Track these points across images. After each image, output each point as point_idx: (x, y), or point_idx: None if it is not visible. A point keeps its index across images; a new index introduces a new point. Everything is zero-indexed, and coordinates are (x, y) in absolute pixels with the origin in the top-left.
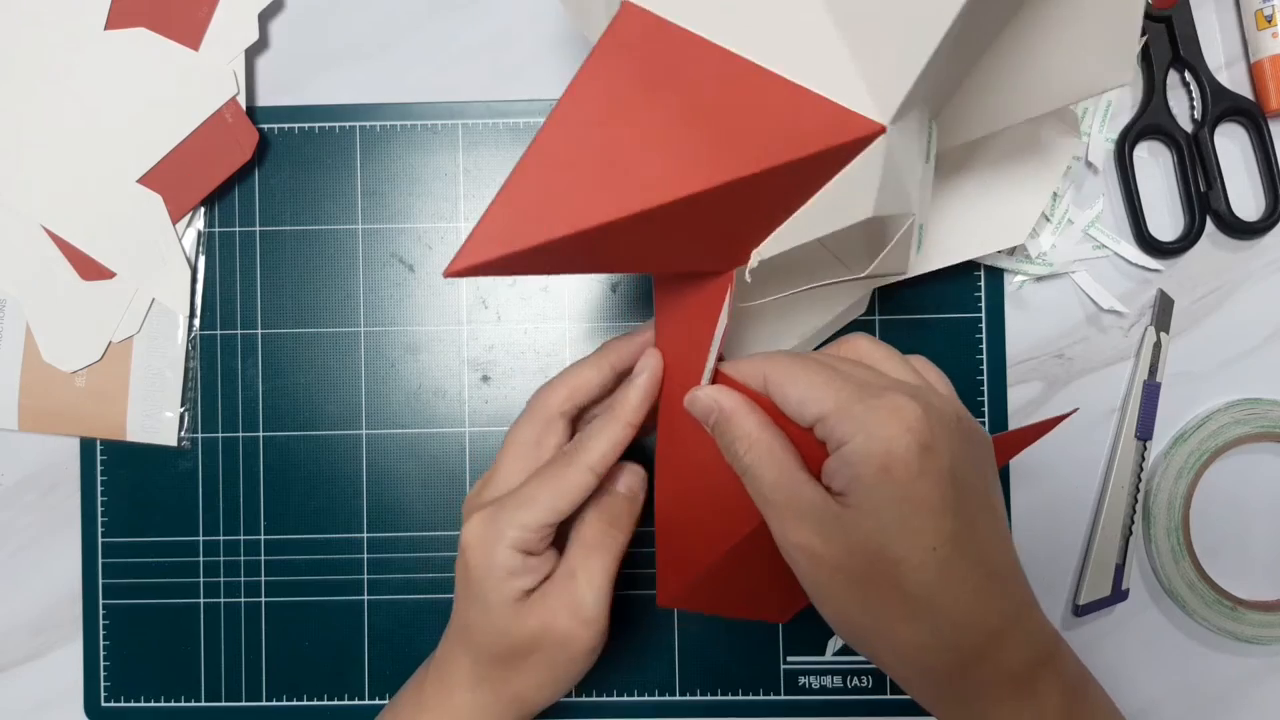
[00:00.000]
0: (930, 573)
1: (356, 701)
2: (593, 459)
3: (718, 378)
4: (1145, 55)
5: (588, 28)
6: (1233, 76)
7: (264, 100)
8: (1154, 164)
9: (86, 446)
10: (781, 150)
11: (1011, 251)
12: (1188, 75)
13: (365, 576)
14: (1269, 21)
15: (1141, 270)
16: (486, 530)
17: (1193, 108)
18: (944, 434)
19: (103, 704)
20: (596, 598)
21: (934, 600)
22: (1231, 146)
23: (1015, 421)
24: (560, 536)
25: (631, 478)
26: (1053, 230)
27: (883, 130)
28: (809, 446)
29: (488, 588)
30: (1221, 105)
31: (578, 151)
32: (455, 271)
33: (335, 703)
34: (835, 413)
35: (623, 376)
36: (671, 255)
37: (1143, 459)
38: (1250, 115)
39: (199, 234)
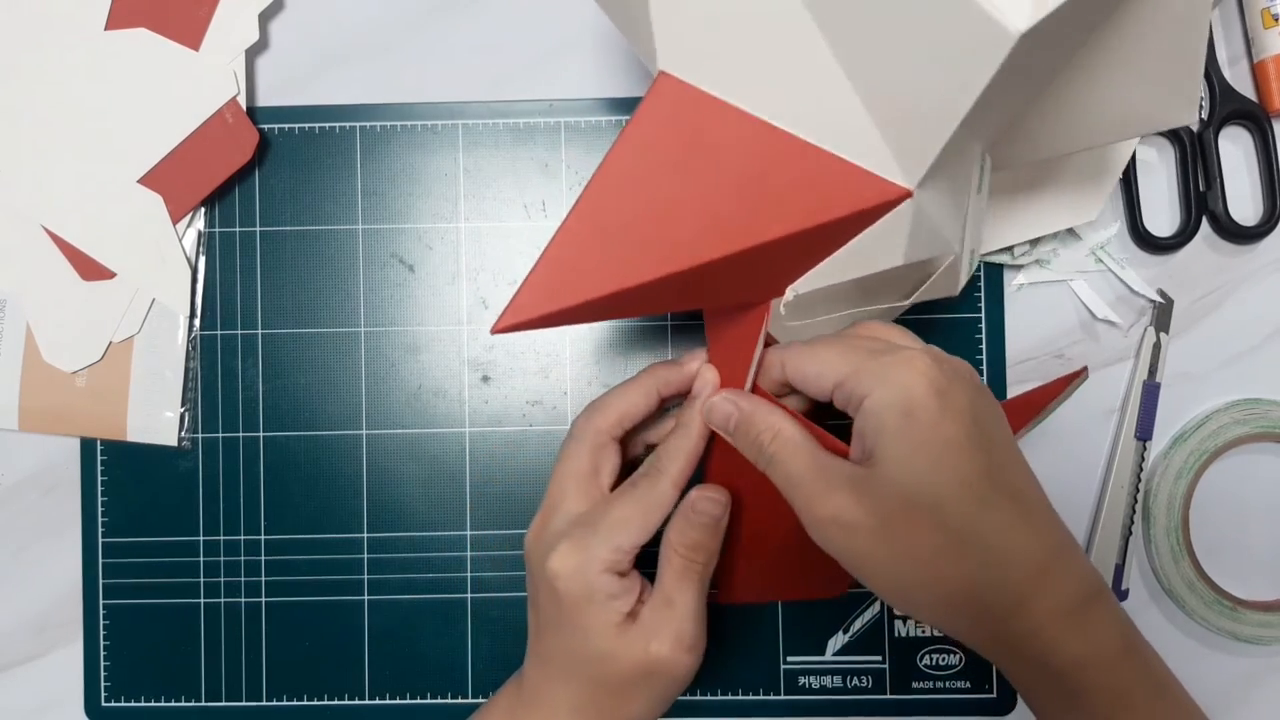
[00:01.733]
0: (971, 506)
1: (356, 701)
2: (675, 473)
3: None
4: None
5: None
6: (1234, 75)
7: (264, 100)
8: (1155, 160)
9: (87, 446)
10: (811, 214)
11: (1011, 251)
12: None
13: (365, 576)
14: (1276, 20)
15: (1142, 274)
16: (580, 557)
17: (1201, 107)
18: (958, 380)
19: (103, 704)
20: (696, 624)
21: (979, 534)
22: (1234, 149)
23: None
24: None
25: (706, 502)
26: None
27: (909, 194)
28: (830, 445)
29: (589, 615)
30: (1229, 107)
31: (617, 214)
32: (503, 328)
33: (335, 703)
34: (851, 374)
35: (666, 402)
36: (709, 298)
37: (1142, 459)
38: (1255, 119)
39: (199, 234)
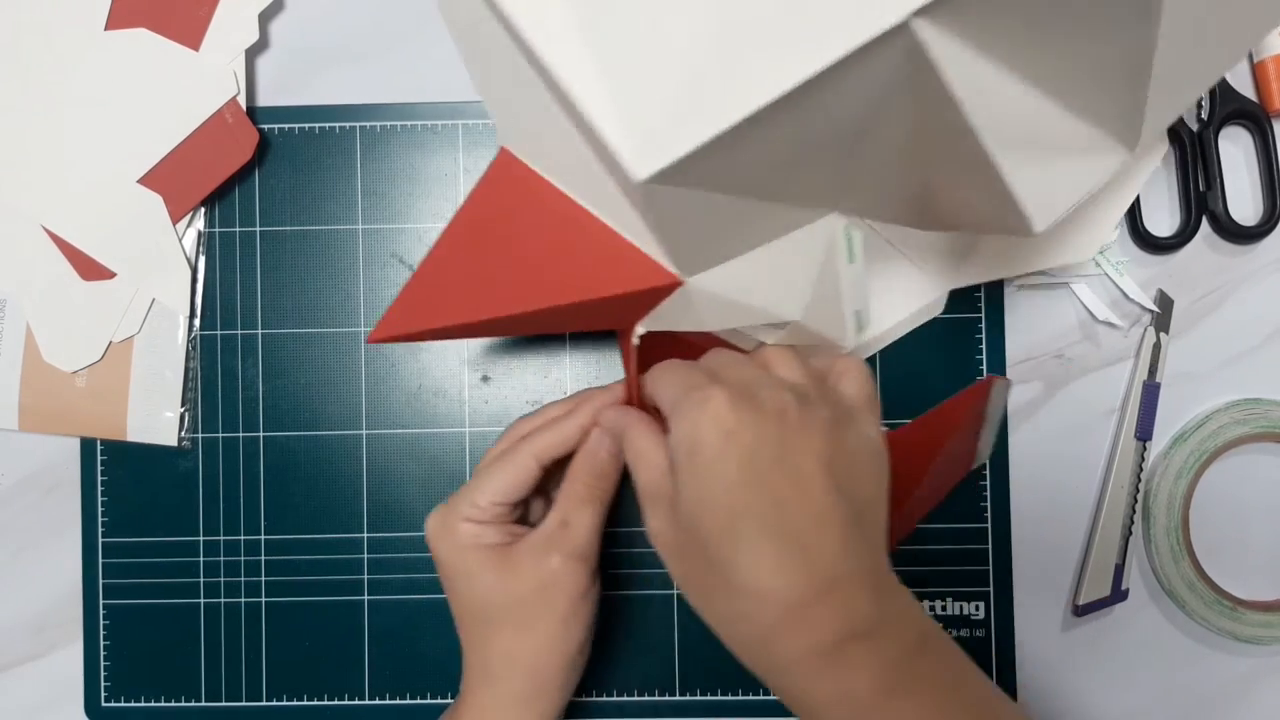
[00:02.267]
0: (729, 543)
1: (356, 701)
2: (537, 448)
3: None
4: None
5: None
6: (1234, 75)
7: (264, 100)
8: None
9: (87, 446)
10: (593, 289)
11: None
12: None
13: (365, 576)
14: None
15: (1142, 273)
16: (442, 518)
17: (1200, 107)
18: (755, 421)
19: (103, 704)
20: (590, 542)
21: (732, 572)
22: (1234, 149)
23: (1015, 422)
24: (526, 521)
25: (610, 440)
26: None
27: (679, 283)
28: None
29: (464, 560)
30: (1229, 107)
31: (456, 264)
32: (374, 339)
33: (335, 703)
34: (669, 407)
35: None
36: (556, 327)
37: (1142, 459)
38: (1255, 119)
39: (199, 234)
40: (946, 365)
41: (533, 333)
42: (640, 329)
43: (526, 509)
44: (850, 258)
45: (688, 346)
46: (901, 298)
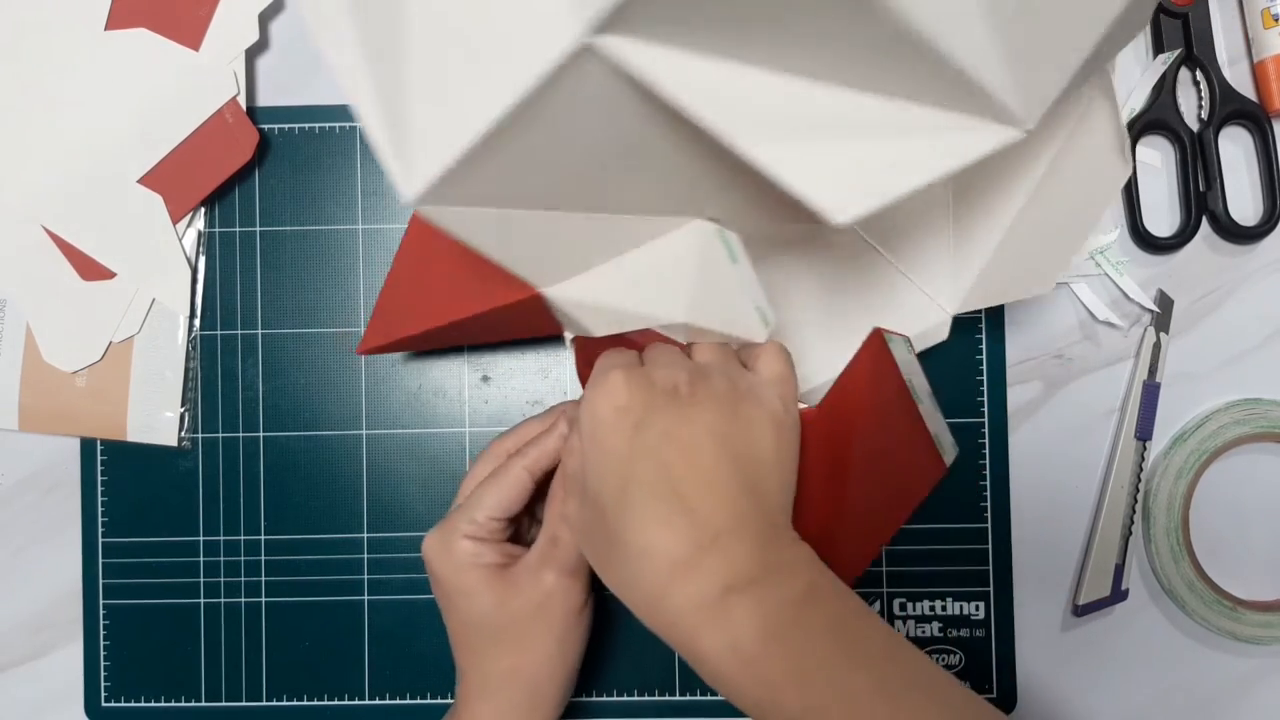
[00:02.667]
0: (621, 513)
1: (356, 701)
2: (529, 460)
3: None
4: (1157, 48)
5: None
6: (1235, 76)
7: (264, 100)
8: (1156, 159)
9: (87, 446)
10: (480, 303)
11: None
12: (1198, 74)
13: (365, 576)
14: (1276, 20)
15: (1142, 273)
16: (441, 537)
17: (1200, 107)
18: (646, 397)
19: (103, 704)
20: (579, 552)
21: (625, 536)
22: (1235, 149)
23: (1015, 422)
24: (520, 540)
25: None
26: None
27: (537, 295)
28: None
29: (463, 579)
30: (1229, 107)
31: (405, 286)
32: (362, 351)
33: (335, 703)
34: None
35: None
36: (508, 333)
37: (1142, 459)
38: (1255, 119)
39: (199, 234)
40: (947, 365)
41: (485, 340)
42: (568, 334)
43: (519, 529)
44: (732, 258)
45: (629, 345)
46: (902, 320)
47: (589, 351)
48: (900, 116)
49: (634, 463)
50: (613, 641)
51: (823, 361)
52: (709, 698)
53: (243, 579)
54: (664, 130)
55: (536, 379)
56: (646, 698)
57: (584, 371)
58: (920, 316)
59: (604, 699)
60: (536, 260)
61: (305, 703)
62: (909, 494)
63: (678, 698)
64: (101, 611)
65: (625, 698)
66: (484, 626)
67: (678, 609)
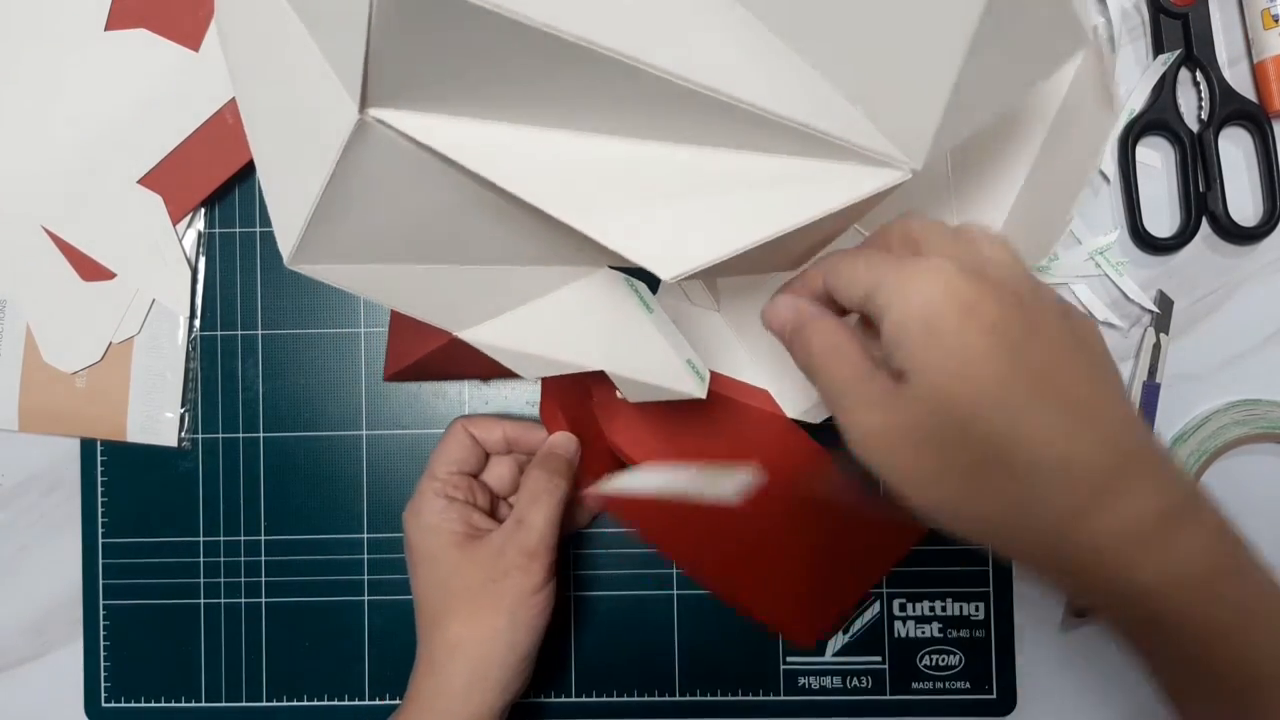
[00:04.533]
0: (1004, 416)
1: (356, 701)
2: (466, 421)
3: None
4: (1157, 49)
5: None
6: (1235, 76)
7: None
8: (1156, 160)
9: (87, 447)
10: (429, 343)
11: None
12: (1198, 75)
13: (365, 577)
14: (1276, 21)
15: (1142, 274)
16: (413, 501)
17: (1200, 107)
18: (989, 292)
19: (103, 704)
20: (542, 540)
21: (1017, 445)
22: (1235, 150)
23: None
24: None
25: (564, 439)
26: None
27: (454, 339)
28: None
29: (430, 542)
30: (1229, 108)
31: (400, 328)
32: (388, 379)
33: (335, 703)
34: (875, 288)
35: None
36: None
37: None
38: (1256, 120)
39: (199, 234)
40: None
41: (491, 375)
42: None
43: (495, 507)
44: (647, 309)
45: (580, 386)
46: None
47: (554, 393)
48: (749, 168)
49: (1004, 362)
50: (613, 641)
51: (800, 393)
52: (709, 698)
53: (243, 579)
54: (492, 187)
55: (535, 380)
56: (646, 698)
57: (549, 410)
58: None
59: (604, 699)
60: (435, 308)
61: (305, 703)
62: (878, 561)
63: (678, 698)
64: (101, 612)
65: (625, 698)
66: (439, 593)
67: (1107, 531)
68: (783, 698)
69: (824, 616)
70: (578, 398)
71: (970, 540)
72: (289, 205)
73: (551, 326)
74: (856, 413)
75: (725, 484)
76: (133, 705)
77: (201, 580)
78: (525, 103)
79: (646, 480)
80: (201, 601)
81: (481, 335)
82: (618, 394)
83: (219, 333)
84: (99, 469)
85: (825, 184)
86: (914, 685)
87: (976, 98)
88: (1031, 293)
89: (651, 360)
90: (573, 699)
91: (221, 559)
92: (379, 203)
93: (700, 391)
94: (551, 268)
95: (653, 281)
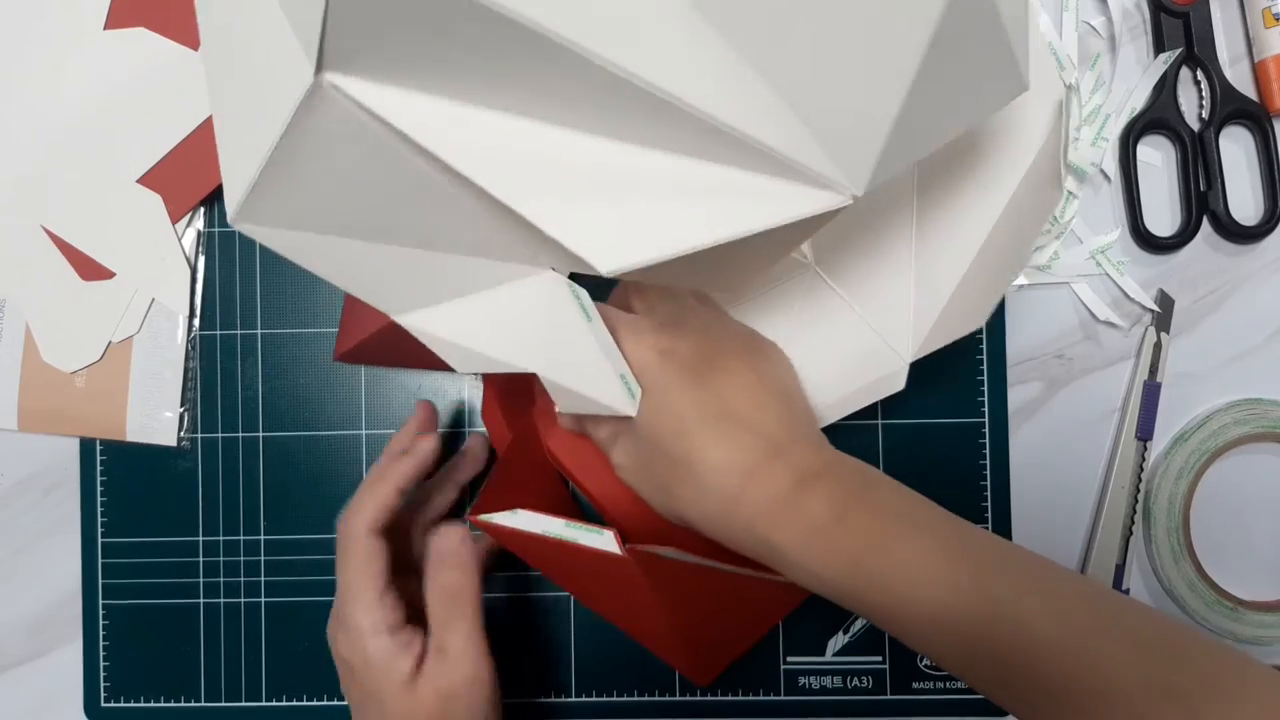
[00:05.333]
0: (679, 436)
1: None
2: (373, 520)
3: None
4: (1158, 48)
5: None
6: (1235, 75)
7: None
8: (1157, 159)
9: (86, 446)
10: (371, 325)
11: None
12: (1199, 74)
13: None
14: (1277, 20)
15: (1143, 273)
16: (348, 635)
17: (1201, 106)
18: (683, 336)
19: (103, 704)
20: (473, 662)
21: (690, 458)
22: (1235, 148)
23: (1015, 422)
24: (419, 616)
25: (449, 534)
26: (1057, 240)
27: (392, 322)
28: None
29: (379, 681)
30: (1230, 107)
31: (352, 308)
32: (337, 359)
33: (335, 703)
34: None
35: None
36: (417, 361)
37: (1143, 459)
38: (1256, 119)
39: (199, 234)
40: (947, 364)
41: (433, 367)
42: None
43: (409, 587)
44: (586, 317)
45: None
46: (857, 365)
47: (496, 396)
48: (694, 175)
49: (688, 394)
50: (612, 642)
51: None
52: (709, 698)
53: (242, 579)
54: (441, 168)
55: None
56: (647, 698)
57: (490, 412)
58: (875, 364)
59: (604, 699)
60: (375, 288)
61: (305, 703)
62: (769, 612)
63: (678, 698)
64: (101, 611)
65: (625, 698)
66: None
67: (755, 507)
68: (783, 697)
69: (715, 664)
70: (519, 404)
71: (698, 530)
72: (239, 162)
73: (489, 322)
74: (611, 455)
75: (592, 539)
76: (132, 705)
77: (201, 580)
78: (482, 85)
79: (524, 523)
80: (201, 601)
81: (417, 321)
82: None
83: (219, 332)
84: (98, 468)
85: (769, 200)
86: (914, 685)
87: (919, 129)
88: (719, 329)
89: (585, 370)
90: (573, 699)
91: (221, 559)
92: (328, 170)
93: (631, 410)
94: (494, 262)
95: (595, 290)
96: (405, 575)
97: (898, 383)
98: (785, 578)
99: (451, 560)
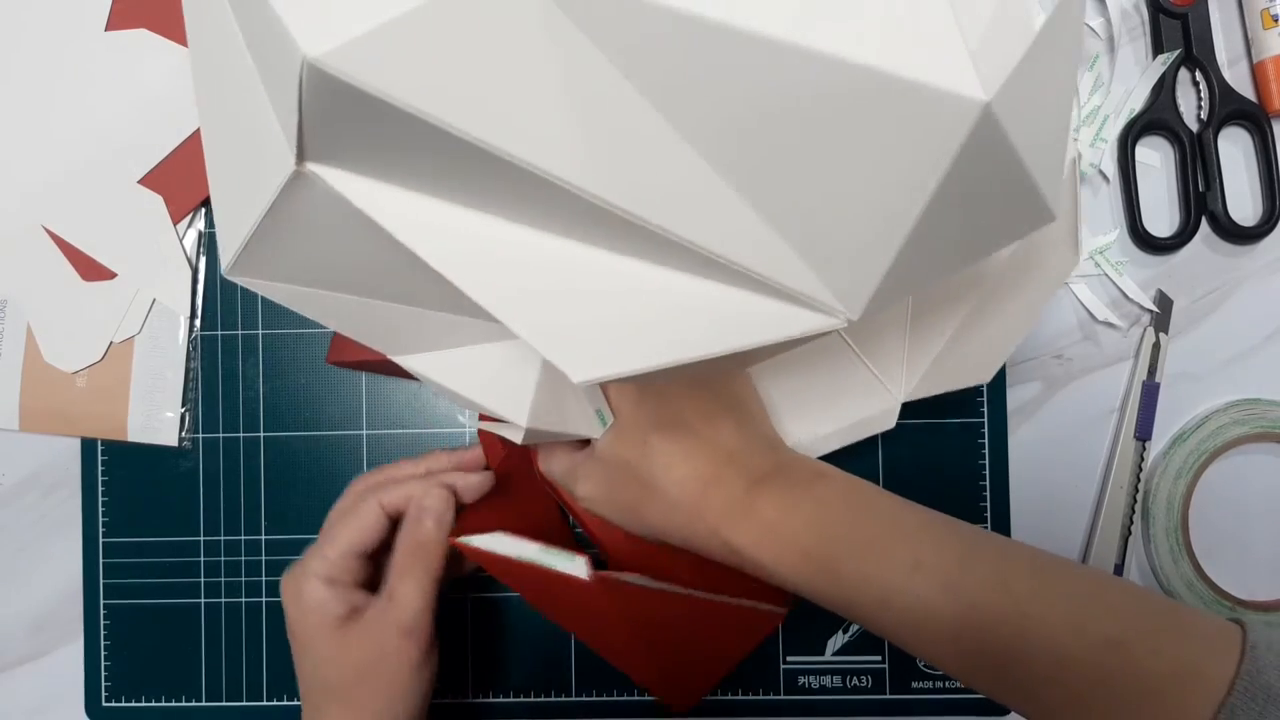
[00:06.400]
0: (643, 458)
1: None
2: (386, 500)
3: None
4: (1157, 48)
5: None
6: (1234, 76)
7: None
8: (1156, 160)
9: (87, 447)
10: (367, 353)
11: None
12: (1198, 75)
13: None
14: (1276, 21)
15: (1142, 274)
16: (294, 578)
17: (1200, 107)
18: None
19: (103, 704)
20: (415, 611)
21: (654, 478)
22: (1234, 149)
23: (1015, 422)
24: (375, 586)
25: (434, 496)
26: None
27: (385, 359)
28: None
29: (307, 624)
30: (1229, 107)
31: (340, 338)
32: (329, 362)
33: None
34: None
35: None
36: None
37: (1142, 459)
38: (1255, 120)
39: (200, 234)
40: None
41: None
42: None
43: (379, 573)
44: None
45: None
46: (850, 402)
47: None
48: (678, 287)
49: (648, 418)
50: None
51: (783, 433)
52: (709, 698)
53: (243, 579)
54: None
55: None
56: (647, 698)
57: (486, 420)
58: (867, 402)
59: (604, 699)
60: (370, 334)
61: None
62: (738, 642)
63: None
64: (101, 611)
65: (625, 698)
66: (317, 683)
67: (716, 514)
68: (783, 697)
69: (691, 689)
70: None
71: (665, 542)
72: (231, 222)
73: (484, 375)
74: (575, 488)
75: (563, 564)
76: (133, 705)
77: (202, 580)
78: (458, 187)
79: (500, 546)
80: (202, 601)
81: (413, 363)
82: None
83: (219, 332)
84: (99, 468)
85: (757, 318)
86: (914, 685)
87: (924, 262)
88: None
89: (567, 413)
90: (573, 699)
91: (222, 558)
92: (313, 241)
93: (599, 432)
94: (480, 321)
95: None
96: (379, 569)
97: (889, 421)
98: (759, 585)
99: (430, 515)
